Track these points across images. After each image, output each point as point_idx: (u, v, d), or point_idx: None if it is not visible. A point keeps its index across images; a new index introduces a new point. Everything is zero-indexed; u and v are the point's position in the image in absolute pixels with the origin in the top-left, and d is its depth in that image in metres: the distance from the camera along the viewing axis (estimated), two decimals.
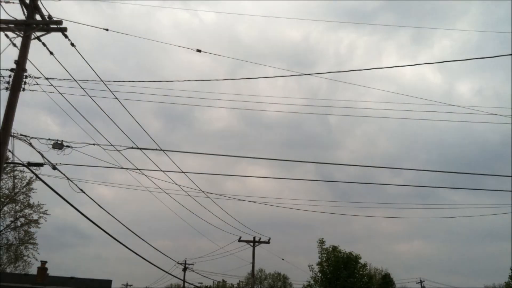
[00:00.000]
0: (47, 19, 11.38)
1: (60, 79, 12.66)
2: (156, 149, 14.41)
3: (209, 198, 20.57)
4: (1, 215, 32.50)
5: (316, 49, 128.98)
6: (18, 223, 33.65)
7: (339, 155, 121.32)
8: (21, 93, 10.94)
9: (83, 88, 13.03)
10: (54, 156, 13.01)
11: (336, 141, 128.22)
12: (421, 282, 53.85)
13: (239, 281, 74.44)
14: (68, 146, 13.10)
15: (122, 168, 15.13)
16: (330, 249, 37.18)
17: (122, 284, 70.03)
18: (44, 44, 11.53)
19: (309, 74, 14.99)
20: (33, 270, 36.51)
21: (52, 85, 12.45)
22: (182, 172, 16.85)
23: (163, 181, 19.09)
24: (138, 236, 17.27)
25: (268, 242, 35.25)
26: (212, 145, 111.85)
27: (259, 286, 79.81)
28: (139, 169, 15.67)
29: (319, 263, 37.01)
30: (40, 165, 12.93)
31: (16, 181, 32.57)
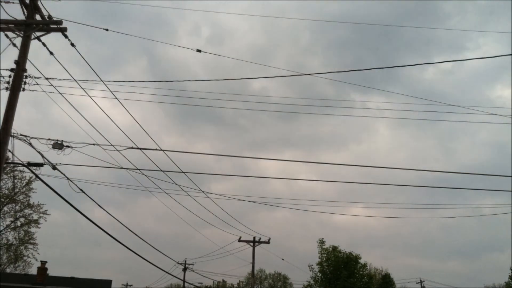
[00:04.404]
0: (47, 19, 11.38)
1: (60, 79, 12.67)
2: (156, 149, 14.41)
3: (209, 198, 20.60)
4: (1, 215, 32.49)
5: None
6: (18, 223, 33.64)
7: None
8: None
9: (83, 88, 13.03)
10: (54, 156, 13.02)
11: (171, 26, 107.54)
12: (421, 282, 54.29)
13: (239, 281, 74.46)
14: (68, 146, 13.10)
15: (122, 168, 15.13)
16: (330, 249, 37.22)
17: (122, 284, 70.00)
18: (44, 44, 11.53)
19: (309, 74, 14.99)
20: (33, 270, 36.50)
21: (52, 85, 12.45)
22: (182, 172, 16.86)
23: (163, 181, 19.06)
24: (138, 236, 17.28)
25: (268, 242, 35.26)
26: None
27: (259, 286, 79.80)
28: (139, 169, 15.67)
29: (319, 263, 37.04)
30: (40, 165, 12.92)
31: (16, 181, 32.57)
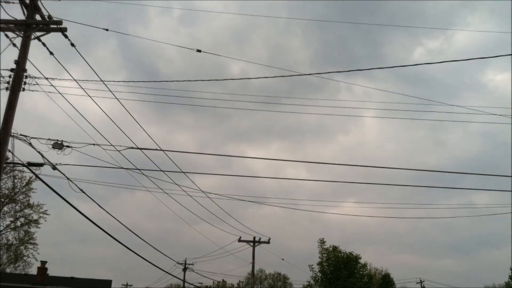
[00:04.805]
0: (47, 19, 11.38)
1: (60, 79, 12.66)
2: (156, 149, 14.40)
3: (209, 198, 20.59)
4: (1, 215, 32.48)
5: None
6: (18, 223, 33.62)
7: None
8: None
9: (83, 89, 13.03)
10: (54, 156, 13.01)
11: None
12: (421, 282, 54.37)
13: (239, 281, 74.48)
14: (68, 146, 13.10)
15: (122, 168, 15.13)
16: (331, 249, 37.23)
17: (122, 284, 69.97)
18: (44, 44, 11.52)
19: (309, 74, 15.00)
20: (33, 270, 36.49)
21: (52, 85, 12.44)
22: (182, 172, 16.86)
23: (164, 182, 19.09)
24: (138, 236, 17.27)
25: (268, 242, 35.27)
26: None
27: (259, 286, 79.78)
28: (139, 169, 15.67)
29: (319, 263, 37.05)
30: (40, 165, 12.92)
31: (16, 181, 32.55)
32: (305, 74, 14.64)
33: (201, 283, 53.75)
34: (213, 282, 65.57)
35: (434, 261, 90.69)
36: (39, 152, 12.47)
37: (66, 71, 12.44)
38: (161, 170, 16.30)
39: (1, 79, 11.12)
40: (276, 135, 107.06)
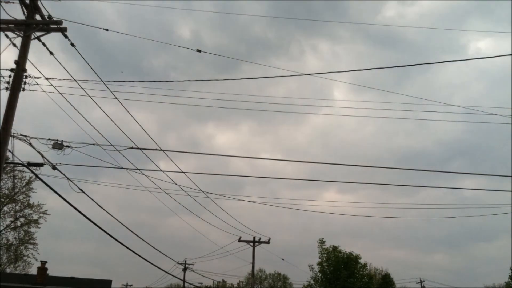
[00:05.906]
0: (47, 19, 11.38)
1: (60, 79, 12.66)
2: (156, 149, 14.41)
3: (209, 198, 20.60)
4: (1, 215, 32.49)
5: None
6: (18, 223, 33.63)
7: None
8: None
9: (83, 89, 13.03)
10: (54, 156, 13.01)
11: None
12: (421, 282, 54.43)
13: (239, 281, 74.54)
14: (68, 146, 13.10)
15: (122, 168, 15.13)
16: (330, 249, 37.25)
17: (122, 284, 70.03)
18: (44, 44, 11.52)
19: (309, 74, 15.00)
20: (33, 270, 36.49)
21: (52, 85, 12.44)
22: (182, 172, 16.87)
23: (163, 181, 19.08)
24: (138, 236, 17.27)
25: (268, 242, 35.27)
26: None
27: (259, 286, 79.79)
28: (139, 169, 15.68)
29: (319, 263, 37.07)
30: (40, 165, 12.93)
31: (16, 181, 32.57)
32: (305, 74, 14.63)
33: (201, 283, 53.77)
34: (213, 282, 65.68)
35: (425, 256, 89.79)
36: (39, 152, 12.48)
37: (66, 71, 12.44)
38: (161, 170, 16.32)
39: (1, 79, 11.13)
40: (242, 113, 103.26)
